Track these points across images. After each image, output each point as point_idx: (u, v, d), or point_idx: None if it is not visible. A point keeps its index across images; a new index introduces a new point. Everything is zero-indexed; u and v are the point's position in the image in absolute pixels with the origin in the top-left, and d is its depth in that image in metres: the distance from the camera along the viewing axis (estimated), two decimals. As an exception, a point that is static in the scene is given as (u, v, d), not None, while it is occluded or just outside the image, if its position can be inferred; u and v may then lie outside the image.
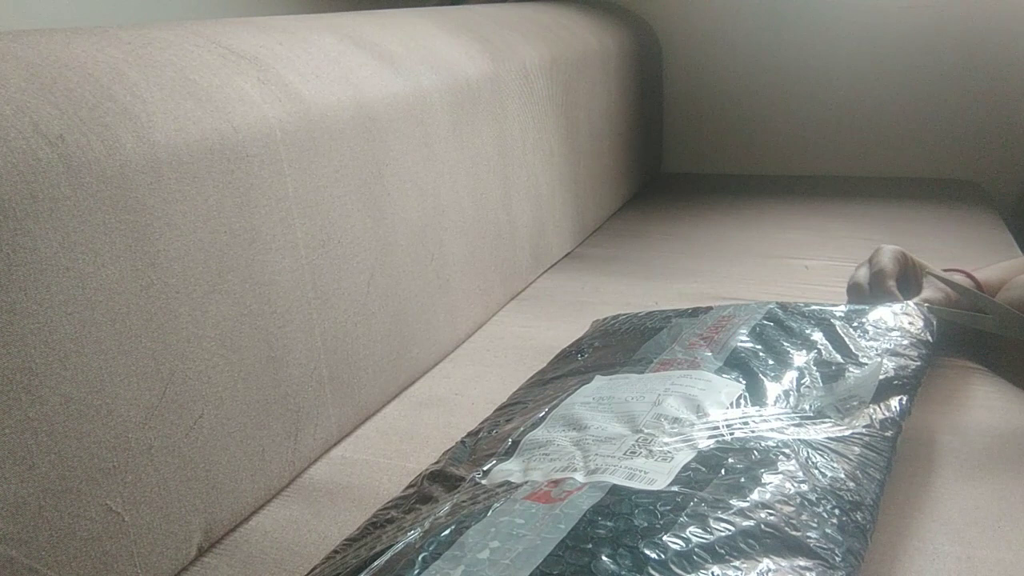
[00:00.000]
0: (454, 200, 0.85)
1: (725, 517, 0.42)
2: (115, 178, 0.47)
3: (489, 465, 0.53)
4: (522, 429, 0.57)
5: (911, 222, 1.26)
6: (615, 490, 0.45)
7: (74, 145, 0.45)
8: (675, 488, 0.45)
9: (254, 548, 0.54)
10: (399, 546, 0.45)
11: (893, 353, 0.62)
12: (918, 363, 0.61)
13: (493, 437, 0.58)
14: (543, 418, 0.58)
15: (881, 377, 0.58)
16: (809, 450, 0.49)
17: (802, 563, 0.40)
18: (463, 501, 0.48)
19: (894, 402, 0.56)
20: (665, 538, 0.41)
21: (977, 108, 1.52)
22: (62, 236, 0.43)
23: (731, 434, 0.51)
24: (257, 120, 0.58)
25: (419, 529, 0.46)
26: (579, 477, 0.48)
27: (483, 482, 0.51)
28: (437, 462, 0.58)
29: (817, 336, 0.65)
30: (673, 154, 1.74)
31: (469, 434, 0.62)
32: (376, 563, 0.44)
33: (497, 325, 0.92)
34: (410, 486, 0.56)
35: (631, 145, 1.47)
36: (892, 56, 1.54)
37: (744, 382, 0.58)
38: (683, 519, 0.42)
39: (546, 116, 1.07)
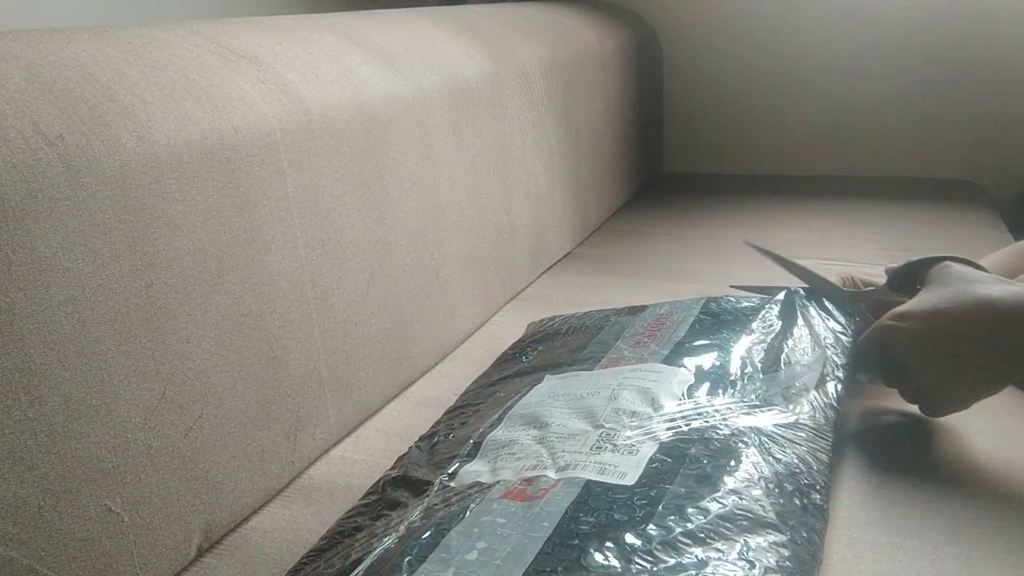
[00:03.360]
0: (454, 200, 0.85)
1: (700, 505, 0.44)
2: (115, 178, 0.47)
3: (454, 467, 0.53)
4: (481, 430, 0.57)
5: (911, 222, 1.26)
6: (589, 486, 0.46)
7: (74, 145, 0.45)
8: (646, 481, 0.47)
9: (254, 548, 0.54)
10: (377, 552, 0.45)
11: (824, 343, 0.65)
12: (844, 351, 0.64)
13: (451, 440, 0.59)
14: (501, 418, 0.59)
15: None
16: (762, 437, 0.51)
17: (775, 539, 0.42)
18: (435, 504, 0.49)
19: (830, 388, 0.59)
20: (647, 528, 0.42)
21: (977, 108, 1.51)
22: (62, 236, 0.43)
23: (688, 425, 0.53)
24: (257, 120, 0.58)
25: (394, 534, 0.46)
26: (551, 474, 0.49)
27: (452, 484, 0.51)
28: (394, 467, 0.58)
29: (753, 328, 0.67)
30: (673, 154, 1.74)
31: (422, 438, 0.62)
32: (356, 571, 0.44)
33: (497, 325, 0.92)
34: (370, 493, 0.56)
35: (631, 145, 1.47)
36: (892, 56, 1.53)
37: (692, 373, 0.60)
38: (661, 510, 0.44)
39: (546, 116, 1.07)
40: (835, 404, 0.57)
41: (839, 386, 0.59)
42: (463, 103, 0.86)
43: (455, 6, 1.21)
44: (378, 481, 0.57)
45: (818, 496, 0.48)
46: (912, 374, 0.61)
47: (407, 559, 0.42)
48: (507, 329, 0.90)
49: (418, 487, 0.53)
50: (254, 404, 0.57)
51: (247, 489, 0.57)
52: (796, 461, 0.49)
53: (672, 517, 0.43)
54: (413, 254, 0.77)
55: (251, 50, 0.63)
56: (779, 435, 0.52)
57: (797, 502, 0.46)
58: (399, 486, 0.54)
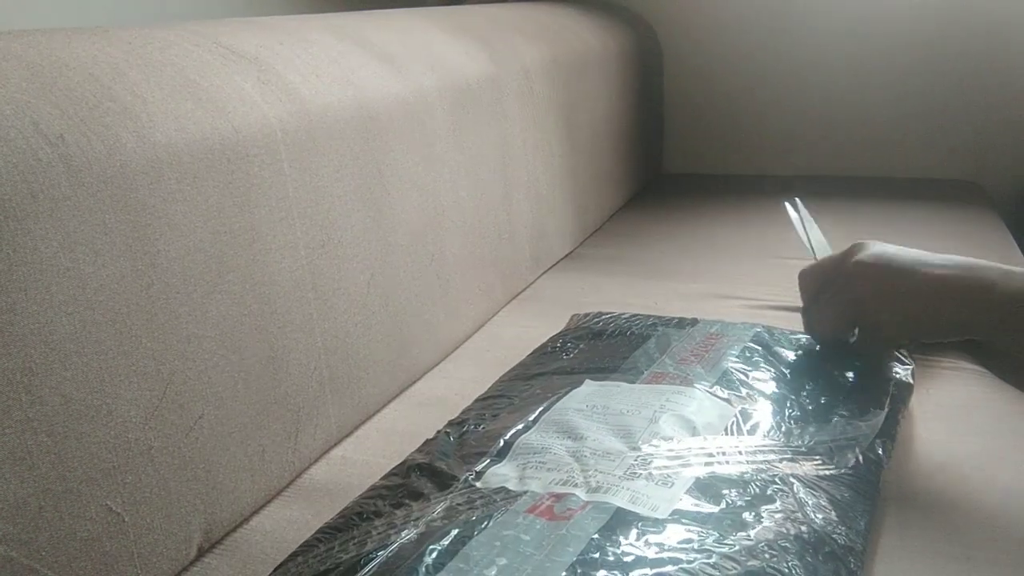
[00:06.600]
0: (454, 200, 0.85)
1: (731, 555, 0.42)
2: (115, 178, 0.47)
3: (482, 465, 0.53)
4: (514, 429, 0.57)
5: (911, 222, 1.26)
6: (620, 514, 0.45)
7: (74, 145, 0.45)
8: (678, 518, 0.45)
9: (254, 548, 0.54)
10: (393, 547, 0.44)
11: (880, 397, 0.62)
12: (899, 408, 0.62)
13: (481, 433, 0.58)
14: (535, 421, 0.58)
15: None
16: (802, 488, 0.49)
17: None
18: (459, 504, 0.48)
19: (878, 445, 0.56)
20: (675, 571, 0.41)
21: (977, 108, 1.51)
22: (62, 236, 0.43)
23: (726, 462, 0.51)
24: (257, 120, 0.58)
25: (412, 529, 0.46)
26: (581, 494, 0.48)
27: (477, 484, 0.51)
28: (420, 451, 0.58)
29: (805, 369, 0.65)
30: (673, 154, 1.74)
31: (451, 424, 0.61)
32: (371, 566, 0.43)
33: (497, 325, 0.92)
34: (393, 474, 0.55)
35: (631, 145, 1.47)
36: (892, 56, 1.53)
37: (736, 407, 0.59)
38: (692, 555, 0.42)
39: (546, 116, 1.07)
40: (883, 462, 0.54)
41: (888, 443, 0.57)
42: (463, 103, 0.86)
43: (455, 6, 1.21)
44: (403, 463, 0.56)
45: (853, 561, 0.45)
46: (874, 308, 0.63)
47: (424, 565, 0.42)
48: (508, 329, 0.90)
49: (443, 480, 0.52)
50: (255, 404, 0.57)
51: (248, 489, 0.57)
52: (835, 519, 0.47)
53: (702, 562, 0.41)
54: (414, 254, 0.77)
55: (251, 50, 0.63)
56: (820, 488, 0.49)
57: (831, 566, 0.43)
58: (424, 474, 0.53)
